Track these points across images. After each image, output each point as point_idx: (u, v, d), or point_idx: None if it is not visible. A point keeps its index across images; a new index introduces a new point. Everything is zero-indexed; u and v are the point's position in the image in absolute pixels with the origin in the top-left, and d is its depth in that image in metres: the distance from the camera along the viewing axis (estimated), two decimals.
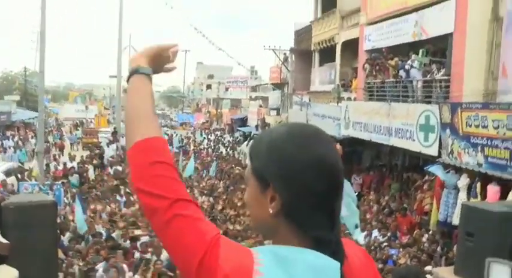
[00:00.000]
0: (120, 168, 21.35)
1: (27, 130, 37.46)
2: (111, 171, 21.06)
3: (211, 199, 15.77)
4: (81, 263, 9.08)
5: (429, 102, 12.15)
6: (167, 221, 1.01)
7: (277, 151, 1.08)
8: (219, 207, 14.62)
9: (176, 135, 36.91)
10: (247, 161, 1.21)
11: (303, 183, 1.05)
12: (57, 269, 7.19)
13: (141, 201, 1.06)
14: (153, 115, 1.21)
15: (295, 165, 1.05)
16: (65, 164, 22.29)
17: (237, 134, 38.10)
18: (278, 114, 30.39)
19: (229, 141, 35.69)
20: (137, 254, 10.21)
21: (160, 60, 1.35)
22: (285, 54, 29.84)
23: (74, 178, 18.36)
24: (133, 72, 1.27)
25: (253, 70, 49.56)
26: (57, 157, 25.82)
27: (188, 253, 0.98)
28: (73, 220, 12.54)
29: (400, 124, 12.71)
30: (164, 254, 9.95)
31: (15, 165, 20.59)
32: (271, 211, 1.07)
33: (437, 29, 12.73)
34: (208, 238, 0.98)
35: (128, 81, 1.29)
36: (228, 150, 30.75)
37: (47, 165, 20.66)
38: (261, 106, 37.29)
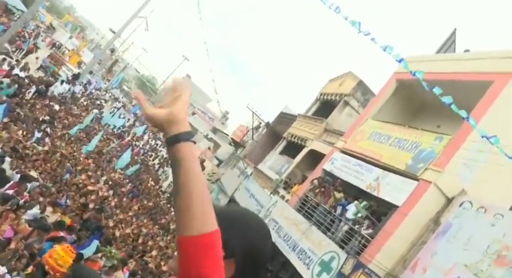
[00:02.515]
0: (57, 108, 20.72)
1: (3, 15, 35.80)
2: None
3: (110, 192, 15.39)
4: None
5: (342, 247, 12.61)
6: None
7: (251, 237, 1.38)
8: (112, 204, 14.28)
9: (124, 117, 36.18)
10: None
11: (258, 270, 1.39)
12: None
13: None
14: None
15: (260, 253, 1.39)
16: (12, 68, 21.41)
17: None
18: (218, 165, 30.47)
19: (163, 156, 35.24)
20: (10, 191, 9.73)
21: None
22: (260, 123, 30.42)
23: (12, 89, 17.58)
24: (189, 137, 1.21)
25: (224, 116, 50.08)
26: (16, 59, 24.72)
27: None
28: None
29: (307, 247, 13.06)
30: (32, 212, 9.51)
31: None
32: None
33: (389, 195, 13.42)
34: None
35: (173, 141, 1.20)
36: (156, 163, 30.35)
37: None
38: (209, 148, 37.35)
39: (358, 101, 22.34)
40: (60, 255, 7.29)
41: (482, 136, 7.04)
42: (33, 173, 11.90)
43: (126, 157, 19.84)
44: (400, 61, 8.40)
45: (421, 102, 16.60)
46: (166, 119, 1.22)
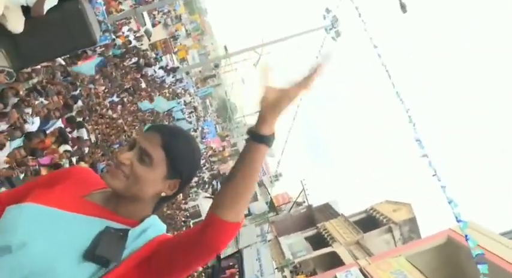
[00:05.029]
0: (143, 86, 21.41)
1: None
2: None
3: None
4: None
5: None
6: None
7: (197, 167, 1.51)
8: None
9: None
10: (160, 149, 1.42)
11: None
12: None
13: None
14: None
15: (194, 175, 1.56)
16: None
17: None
18: (245, 216, 30.22)
19: (203, 178, 35.35)
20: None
21: None
22: (304, 201, 30.15)
23: (119, 50, 18.35)
24: (271, 140, 1.26)
25: (277, 177, 49.30)
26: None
27: None
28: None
29: None
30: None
31: None
32: (163, 194, 1.48)
33: None
34: None
35: (256, 138, 1.25)
36: (194, 180, 30.58)
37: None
38: None
39: (402, 235, 21.75)
40: None
41: None
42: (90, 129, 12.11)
43: None
44: (458, 221, 8.07)
45: (461, 270, 15.75)
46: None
